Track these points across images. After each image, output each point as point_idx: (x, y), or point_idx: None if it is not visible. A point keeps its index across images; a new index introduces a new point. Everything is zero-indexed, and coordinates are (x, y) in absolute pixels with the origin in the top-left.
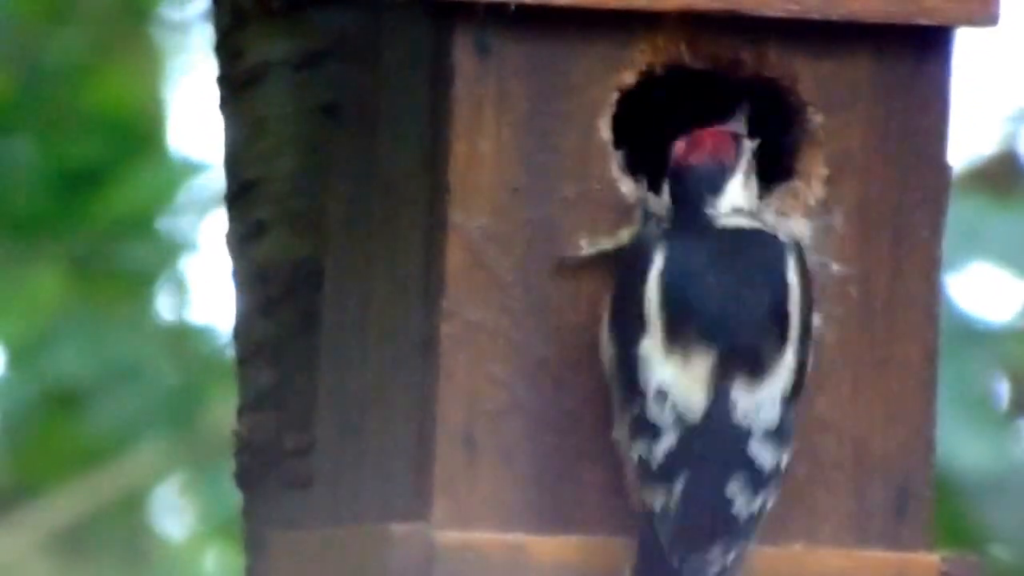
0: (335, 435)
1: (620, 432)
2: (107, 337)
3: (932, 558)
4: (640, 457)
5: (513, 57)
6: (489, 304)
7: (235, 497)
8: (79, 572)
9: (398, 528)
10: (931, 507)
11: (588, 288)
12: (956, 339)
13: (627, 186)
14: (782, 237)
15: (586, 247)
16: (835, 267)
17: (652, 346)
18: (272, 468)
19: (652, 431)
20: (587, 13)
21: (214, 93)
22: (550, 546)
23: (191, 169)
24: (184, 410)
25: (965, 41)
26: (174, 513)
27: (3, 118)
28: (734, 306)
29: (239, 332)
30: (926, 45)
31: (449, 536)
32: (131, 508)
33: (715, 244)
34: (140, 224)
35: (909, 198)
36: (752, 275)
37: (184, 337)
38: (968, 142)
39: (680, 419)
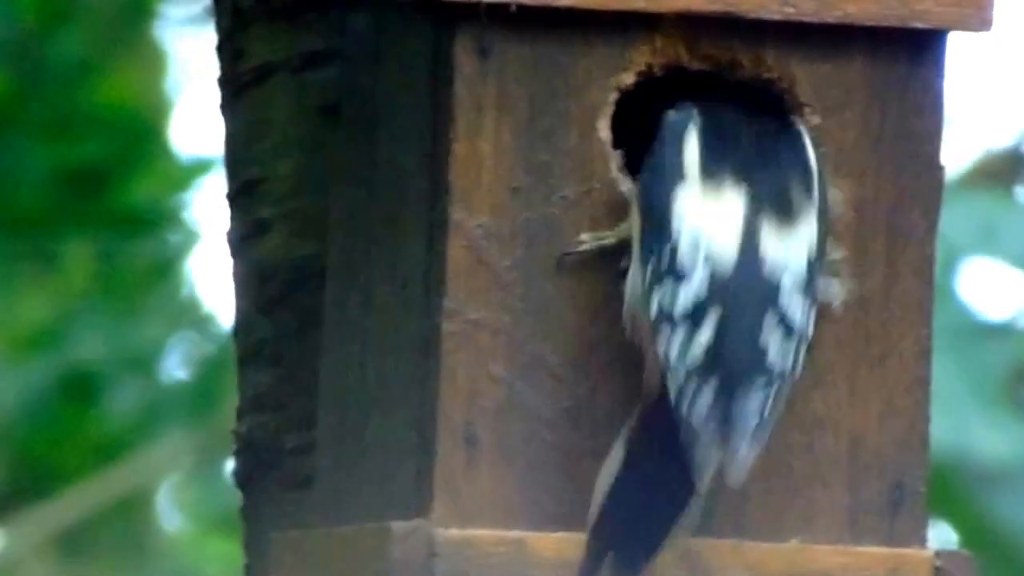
0: (335, 434)
1: (635, 293)
2: (127, 329)
3: (926, 553)
4: (660, 307)
5: (513, 58)
6: (490, 303)
7: (236, 495)
8: (83, 570)
9: (399, 526)
10: (925, 503)
11: (588, 286)
12: (968, 333)
13: (626, 186)
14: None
15: (588, 241)
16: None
17: (688, 193)
18: (272, 467)
19: (678, 276)
20: (587, 14)
21: (216, 93)
22: (550, 543)
23: (197, 166)
24: (201, 403)
25: (965, 43)
26: (178, 510)
27: (7, 117)
28: (764, 154)
29: (239, 331)
30: (920, 48)
31: (450, 533)
32: (136, 506)
33: (743, 118)
34: (158, 219)
35: (904, 198)
36: (778, 146)
37: (198, 330)
38: (975, 139)
39: (711, 265)
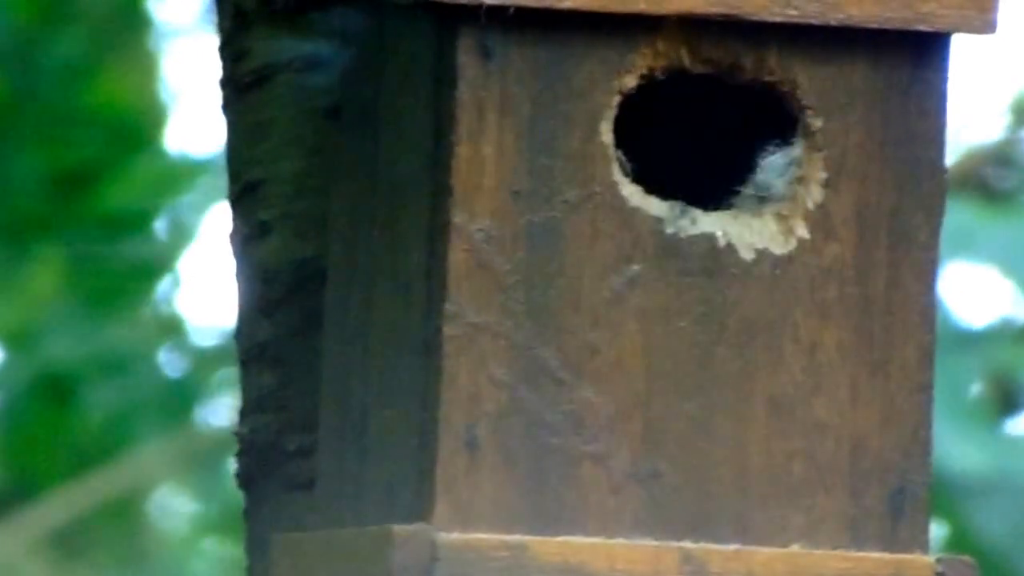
0: (336, 436)
1: None
2: (104, 331)
3: (927, 559)
4: None
5: (516, 61)
6: (491, 306)
7: (236, 497)
8: (77, 572)
9: (400, 529)
10: (927, 509)
11: (589, 289)
12: (945, 341)
13: (628, 189)
14: None
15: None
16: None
17: None
18: (273, 469)
19: None
20: (589, 17)
21: (217, 95)
22: (551, 547)
23: (190, 167)
24: (182, 405)
25: (963, 45)
26: (174, 512)
27: (1, 118)
28: None
29: (241, 333)
30: (924, 51)
31: (451, 537)
32: (130, 508)
33: None
34: (139, 220)
35: (906, 202)
36: None
37: (182, 332)
38: (962, 142)
39: None
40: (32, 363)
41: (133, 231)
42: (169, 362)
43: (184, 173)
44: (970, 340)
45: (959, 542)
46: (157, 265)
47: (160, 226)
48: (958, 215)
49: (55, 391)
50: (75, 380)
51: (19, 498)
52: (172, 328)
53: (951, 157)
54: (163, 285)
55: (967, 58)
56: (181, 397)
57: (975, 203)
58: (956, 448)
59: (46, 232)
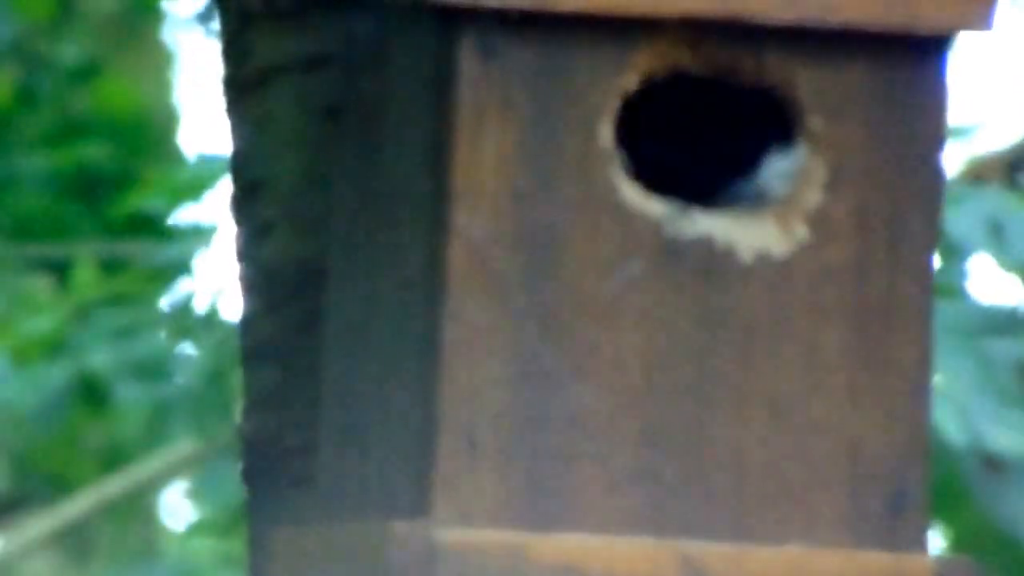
0: (338, 434)
1: None
2: (137, 333)
3: (927, 559)
4: None
5: (517, 62)
6: (491, 306)
7: (239, 494)
8: (85, 569)
9: (400, 526)
10: (926, 509)
11: (589, 289)
12: (979, 328)
13: (628, 189)
14: None
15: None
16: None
17: None
18: (275, 466)
19: None
20: (590, 18)
21: (221, 95)
22: (550, 545)
23: (206, 168)
24: (211, 407)
25: (967, 45)
26: (179, 510)
27: (14, 122)
28: None
29: (244, 331)
30: (923, 52)
31: (450, 535)
32: (139, 505)
33: None
34: (161, 222)
35: (905, 203)
36: None
37: (209, 331)
38: (987, 137)
39: None
40: (66, 367)
41: (159, 233)
42: (199, 364)
43: (205, 173)
44: (1004, 326)
45: (989, 526)
46: (184, 266)
47: (183, 227)
48: (990, 204)
49: (87, 395)
50: (107, 384)
51: (39, 503)
52: (202, 328)
53: (971, 155)
54: (191, 285)
55: (978, 63)
56: (212, 398)
57: (1005, 193)
58: (991, 432)
59: (71, 235)
